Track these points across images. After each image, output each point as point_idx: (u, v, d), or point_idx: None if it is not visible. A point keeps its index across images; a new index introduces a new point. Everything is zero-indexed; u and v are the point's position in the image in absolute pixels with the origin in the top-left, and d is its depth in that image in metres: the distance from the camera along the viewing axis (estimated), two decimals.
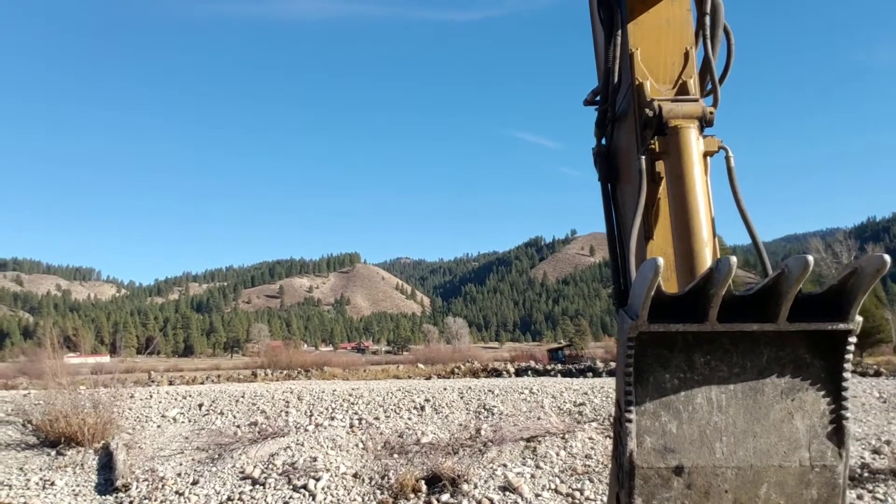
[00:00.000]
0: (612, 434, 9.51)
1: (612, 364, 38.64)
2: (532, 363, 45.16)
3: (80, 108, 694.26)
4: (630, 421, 2.22)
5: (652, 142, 2.90)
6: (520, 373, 34.10)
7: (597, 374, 30.37)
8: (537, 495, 7.76)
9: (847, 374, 2.18)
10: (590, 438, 9.41)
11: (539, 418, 10.48)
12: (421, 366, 44.66)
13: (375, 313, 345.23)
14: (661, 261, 2.01)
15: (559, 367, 39.82)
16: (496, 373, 34.54)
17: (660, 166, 2.96)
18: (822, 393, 2.21)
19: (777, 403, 2.22)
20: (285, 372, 39.20)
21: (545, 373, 34.52)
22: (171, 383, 28.13)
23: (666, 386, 2.26)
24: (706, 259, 2.67)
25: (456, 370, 37.16)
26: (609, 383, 13.33)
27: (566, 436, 9.50)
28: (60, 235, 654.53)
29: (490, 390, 12.45)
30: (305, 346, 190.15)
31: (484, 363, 44.25)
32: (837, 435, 2.19)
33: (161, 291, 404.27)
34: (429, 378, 28.62)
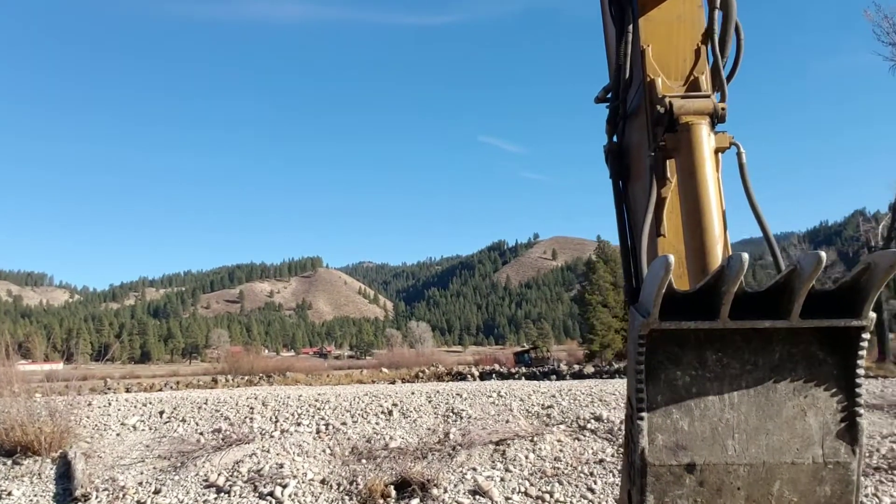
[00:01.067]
0: (580, 437, 9.51)
1: (577, 367, 39.00)
2: (496, 366, 45.42)
3: (29, 109, 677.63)
4: (642, 419, 2.20)
5: (663, 138, 2.89)
6: (484, 376, 34.16)
7: (561, 376, 30.55)
8: (507, 499, 7.71)
9: (860, 371, 2.17)
10: (558, 441, 9.40)
11: (507, 421, 10.43)
12: (385, 370, 44.48)
13: (338, 318, 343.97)
14: (671, 258, 2.00)
15: (523, 370, 40.05)
16: (461, 376, 34.56)
17: (671, 163, 2.96)
18: (835, 390, 2.20)
19: (790, 400, 2.21)
20: (247, 378, 38.65)
21: (509, 376, 34.65)
22: (127, 390, 27.42)
23: (677, 383, 2.25)
24: (718, 256, 2.66)
25: (420, 374, 37.13)
26: (575, 386, 13.39)
27: (535, 438, 9.47)
28: (11, 239, 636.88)
29: (458, 394, 12.38)
30: (266, 351, 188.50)
31: (448, 367, 44.34)
32: (851, 432, 2.18)
33: (116, 297, 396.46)
34: (393, 382, 28.47)
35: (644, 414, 2.21)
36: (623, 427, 9.48)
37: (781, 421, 2.20)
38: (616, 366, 40.76)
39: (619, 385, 13.28)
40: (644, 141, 3.08)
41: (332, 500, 7.95)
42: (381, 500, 7.82)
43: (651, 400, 2.23)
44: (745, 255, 1.97)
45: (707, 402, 2.23)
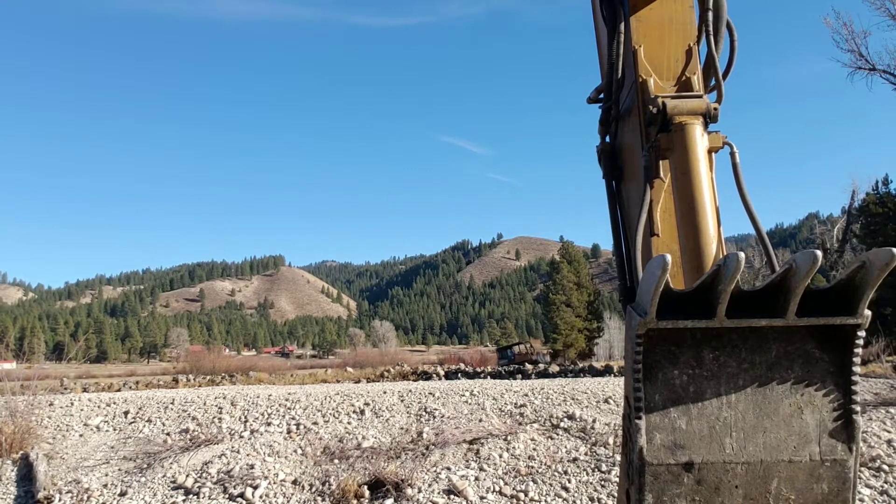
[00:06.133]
0: (553, 435, 9.56)
1: (541, 367, 39.23)
2: (461, 366, 45.43)
3: None
4: (640, 418, 2.20)
5: (657, 138, 2.89)
6: (450, 375, 34.14)
7: (526, 376, 30.69)
8: (482, 498, 7.71)
9: (856, 369, 2.19)
10: (532, 440, 9.43)
11: (481, 420, 10.43)
12: (350, 370, 44.16)
13: (300, 317, 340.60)
14: (668, 258, 2.01)
15: (489, 369, 40.11)
16: (426, 376, 34.48)
17: (665, 163, 2.96)
18: (832, 387, 2.23)
19: (786, 398, 2.24)
20: (209, 377, 37.99)
21: (475, 375, 34.70)
22: (84, 390, 26.74)
23: (675, 382, 2.25)
24: (713, 255, 2.68)
25: (386, 374, 36.93)
26: (546, 385, 13.44)
27: (508, 437, 9.49)
28: None
29: (430, 393, 12.34)
30: (227, 350, 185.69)
31: (413, 366, 44.21)
32: (847, 429, 2.21)
33: (72, 295, 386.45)
34: (358, 382, 28.27)
35: (641, 413, 2.21)
36: (595, 426, 9.55)
37: (778, 419, 2.22)
38: (581, 365, 41.14)
39: (590, 384, 13.39)
40: (637, 141, 3.10)
41: (305, 501, 7.87)
42: (355, 501, 7.76)
43: (649, 399, 2.23)
44: (742, 255, 1.98)
45: (704, 401, 2.24)
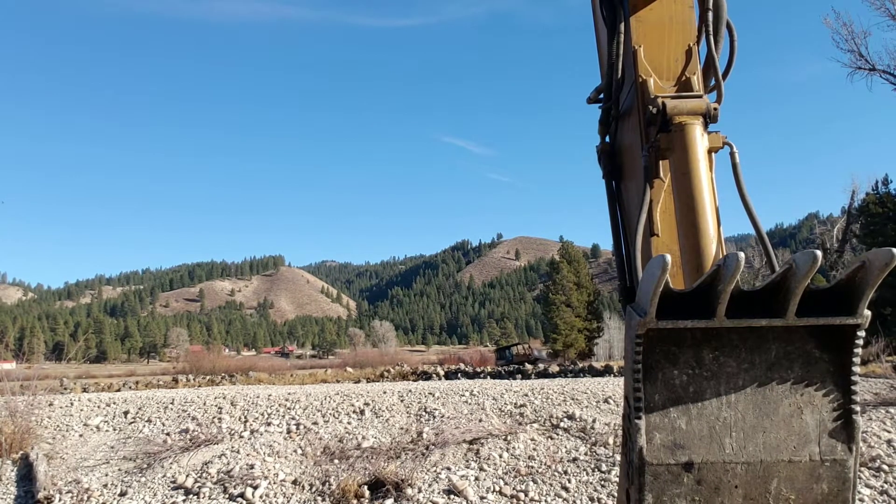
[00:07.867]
0: (553, 435, 9.55)
1: (541, 367, 39.22)
2: (461, 366, 45.44)
3: None
4: (639, 418, 2.20)
5: (657, 138, 2.89)
6: (449, 375, 34.13)
7: (526, 376, 30.69)
8: (482, 498, 7.71)
9: (856, 369, 2.19)
10: (532, 440, 9.43)
11: (480, 420, 10.43)
12: (350, 370, 44.12)
13: (300, 317, 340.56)
14: (668, 258, 2.00)
15: (488, 369, 40.08)
16: (426, 376, 34.48)
17: (664, 163, 2.96)
18: (831, 387, 2.22)
19: (786, 398, 2.23)
20: (209, 377, 37.95)
21: (475, 375, 34.69)
22: (84, 390, 26.71)
23: (675, 382, 2.25)
24: (712, 255, 2.67)
25: (385, 374, 36.91)
26: (546, 385, 13.44)
27: (508, 437, 9.49)
28: None
29: (430, 393, 12.34)
30: (227, 350, 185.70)
31: (413, 366, 44.19)
32: (847, 429, 2.20)
33: (71, 295, 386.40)
34: (358, 382, 28.25)
35: (641, 413, 2.21)
36: (595, 426, 9.54)
37: (778, 419, 2.21)
38: (581, 365, 41.12)
39: (590, 384, 13.39)
40: (637, 141, 3.09)
41: (305, 501, 7.86)
42: (355, 501, 7.75)
43: (648, 399, 2.23)
44: (741, 255, 1.98)
45: (704, 401, 2.24)
